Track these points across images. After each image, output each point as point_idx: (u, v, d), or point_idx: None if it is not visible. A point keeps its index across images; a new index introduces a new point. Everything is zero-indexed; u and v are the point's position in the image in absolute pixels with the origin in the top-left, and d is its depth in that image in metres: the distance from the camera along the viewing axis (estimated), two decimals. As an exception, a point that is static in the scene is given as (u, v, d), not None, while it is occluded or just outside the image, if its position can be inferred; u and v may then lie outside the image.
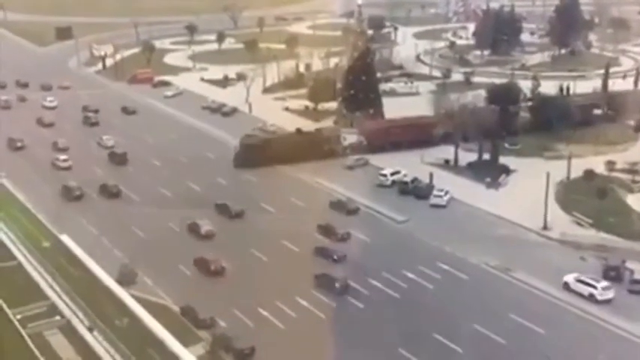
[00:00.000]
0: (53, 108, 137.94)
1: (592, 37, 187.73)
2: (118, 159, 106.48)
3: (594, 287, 66.06)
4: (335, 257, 73.41)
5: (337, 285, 67.69)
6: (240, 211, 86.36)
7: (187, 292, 67.42)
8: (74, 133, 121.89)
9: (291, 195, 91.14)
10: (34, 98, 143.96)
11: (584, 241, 76.59)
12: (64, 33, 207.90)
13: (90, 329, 60.50)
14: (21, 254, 74.77)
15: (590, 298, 65.81)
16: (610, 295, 65.93)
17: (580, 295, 66.40)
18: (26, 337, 59.71)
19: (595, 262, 72.12)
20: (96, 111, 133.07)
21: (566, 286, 67.69)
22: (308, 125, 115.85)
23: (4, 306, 64.27)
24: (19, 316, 62.69)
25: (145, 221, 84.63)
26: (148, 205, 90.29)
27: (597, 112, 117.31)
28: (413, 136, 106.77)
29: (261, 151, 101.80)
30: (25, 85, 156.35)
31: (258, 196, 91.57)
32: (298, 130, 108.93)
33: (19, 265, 72.91)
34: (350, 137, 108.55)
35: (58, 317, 63.35)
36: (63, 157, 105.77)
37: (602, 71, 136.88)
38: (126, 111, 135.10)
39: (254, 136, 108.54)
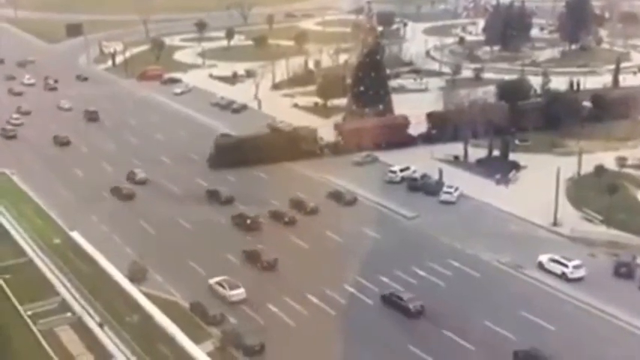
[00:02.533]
0: (31, 85, 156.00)
1: (602, 32, 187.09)
2: (89, 116, 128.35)
3: (566, 266, 68.91)
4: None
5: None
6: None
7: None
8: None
9: (296, 189, 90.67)
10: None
11: (595, 238, 76.39)
12: (74, 30, 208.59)
13: (100, 325, 60.75)
14: (32, 251, 75.11)
15: (562, 276, 68.59)
16: (581, 273, 68.46)
17: (553, 273, 69.13)
18: (37, 333, 60.03)
19: (606, 259, 72.00)
20: (56, 80, 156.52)
21: (540, 266, 70.46)
22: (317, 122, 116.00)
23: (16, 302, 64.63)
24: (30, 313, 63.03)
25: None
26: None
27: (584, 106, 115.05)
28: (390, 136, 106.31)
29: (235, 152, 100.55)
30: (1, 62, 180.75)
31: (261, 189, 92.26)
32: (273, 130, 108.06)
33: (30, 262, 73.26)
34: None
35: (69, 313, 63.65)
36: (16, 115, 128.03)
37: (612, 67, 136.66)
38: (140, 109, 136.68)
39: (228, 136, 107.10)
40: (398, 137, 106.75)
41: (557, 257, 70.21)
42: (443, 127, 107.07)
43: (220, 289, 66.21)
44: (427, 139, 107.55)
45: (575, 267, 68.86)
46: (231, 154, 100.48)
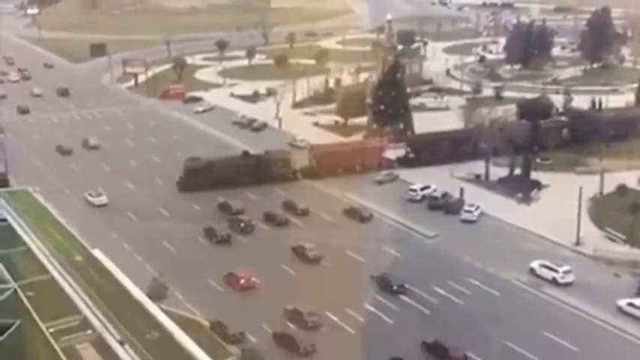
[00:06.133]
0: (16, 82, 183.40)
1: (625, 50, 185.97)
2: (61, 92, 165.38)
3: (556, 272, 71.13)
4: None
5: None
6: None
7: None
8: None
9: (315, 206, 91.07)
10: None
11: (618, 257, 75.63)
12: (98, 50, 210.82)
13: (121, 343, 60.89)
14: (54, 268, 75.53)
15: (553, 281, 70.84)
16: (570, 279, 70.60)
17: (544, 278, 71.35)
18: (59, 351, 60.23)
19: (629, 279, 71.19)
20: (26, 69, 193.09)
21: (531, 271, 72.71)
22: (337, 140, 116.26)
23: (38, 320, 65.01)
24: (52, 330, 63.34)
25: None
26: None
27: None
28: (365, 159, 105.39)
29: (205, 175, 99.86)
30: None
31: (277, 205, 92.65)
32: (245, 153, 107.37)
33: (52, 279, 73.68)
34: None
35: (89, 331, 63.88)
36: None
37: (635, 85, 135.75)
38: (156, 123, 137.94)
39: (198, 159, 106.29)
40: (373, 161, 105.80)
41: (547, 263, 72.07)
42: (421, 151, 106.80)
43: (89, 197, 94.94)
44: (405, 162, 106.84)
45: (565, 272, 70.65)
46: (200, 177, 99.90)
